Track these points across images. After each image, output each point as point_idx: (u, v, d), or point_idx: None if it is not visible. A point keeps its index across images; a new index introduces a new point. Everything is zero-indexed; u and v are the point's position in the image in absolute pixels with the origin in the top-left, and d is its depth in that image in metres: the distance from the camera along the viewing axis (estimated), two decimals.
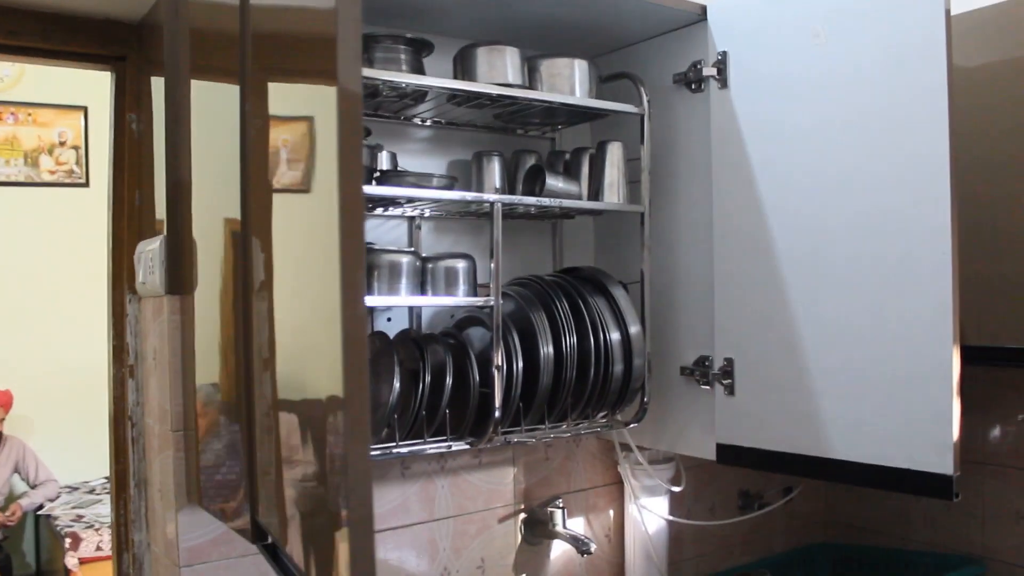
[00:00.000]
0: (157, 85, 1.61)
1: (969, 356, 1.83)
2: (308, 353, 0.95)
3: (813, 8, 1.52)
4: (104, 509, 3.91)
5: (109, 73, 1.65)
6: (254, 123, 1.16)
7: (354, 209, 0.77)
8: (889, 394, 1.44)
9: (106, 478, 4.07)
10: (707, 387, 1.68)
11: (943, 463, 1.39)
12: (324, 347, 0.84)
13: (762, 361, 1.61)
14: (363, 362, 0.77)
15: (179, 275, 1.47)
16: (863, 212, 1.48)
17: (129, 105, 1.62)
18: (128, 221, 1.63)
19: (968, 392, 2.11)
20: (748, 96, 1.63)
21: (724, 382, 1.65)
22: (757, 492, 2.19)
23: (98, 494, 4.27)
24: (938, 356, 1.40)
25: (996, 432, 2.10)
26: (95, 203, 3.98)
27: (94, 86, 3.63)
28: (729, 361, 1.65)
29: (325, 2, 0.82)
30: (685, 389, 1.74)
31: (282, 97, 1.08)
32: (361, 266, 0.78)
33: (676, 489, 1.93)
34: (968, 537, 2.13)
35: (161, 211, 1.59)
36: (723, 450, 1.66)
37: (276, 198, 1.10)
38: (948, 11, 1.37)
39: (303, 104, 0.97)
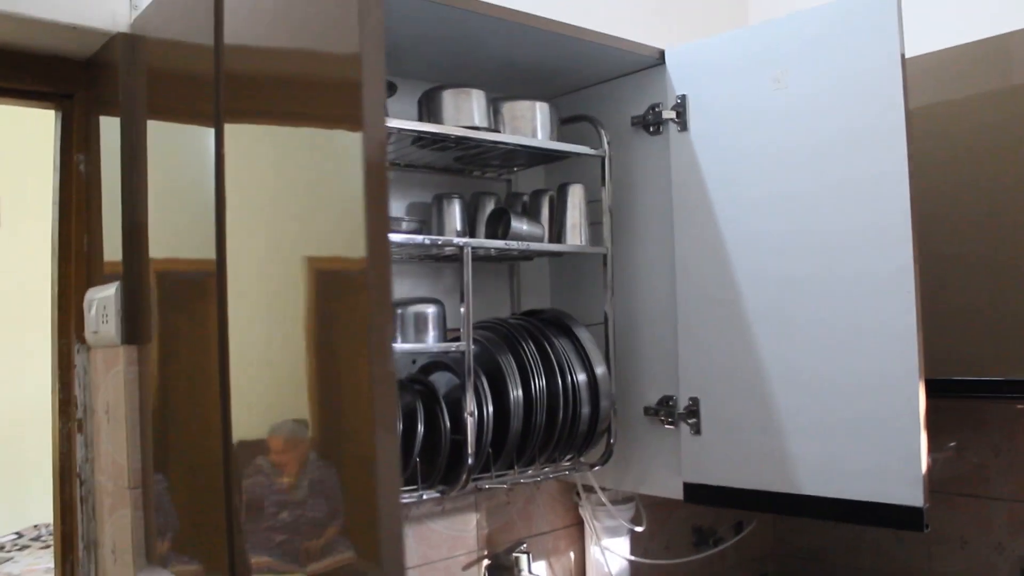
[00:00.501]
0: (106, 125, 1.54)
1: None
2: (321, 408, 0.91)
3: (771, 52, 1.56)
4: (15, 568, 3.69)
5: (53, 112, 1.57)
6: (239, 165, 1.12)
7: (382, 260, 0.75)
8: (856, 430, 1.46)
9: (16, 534, 3.85)
10: (671, 426, 1.69)
11: (914, 496, 1.41)
12: (344, 403, 0.81)
13: (728, 400, 1.62)
14: (393, 419, 0.74)
15: (137, 323, 1.40)
16: (823, 254, 1.51)
17: (77, 145, 1.55)
18: (75, 267, 1.55)
19: None
20: (707, 139, 1.65)
21: (690, 421, 1.65)
22: (710, 528, 2.21)
23: (7, 551, 4.03)
24: (905, 392, 1.42)
25: (938, 460, 2.16)
26: (6, 243, 3.81)
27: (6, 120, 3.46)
28: (694, 400, 1.66)
29: (342, 47, 0.79)
30: (649, 429, 1.74)
31: (281, 142, 1.05)
32: (390, 322, 0.75)
33: (638, 529, 1.92)
34: (915, 563, 2.18)
35: (111, 255, 1.52)
36: (690, 489, 1.66)
37: (269, 243, 1.06)
38: (903, 55, 1.42)
39: (312, 151, 0.95)
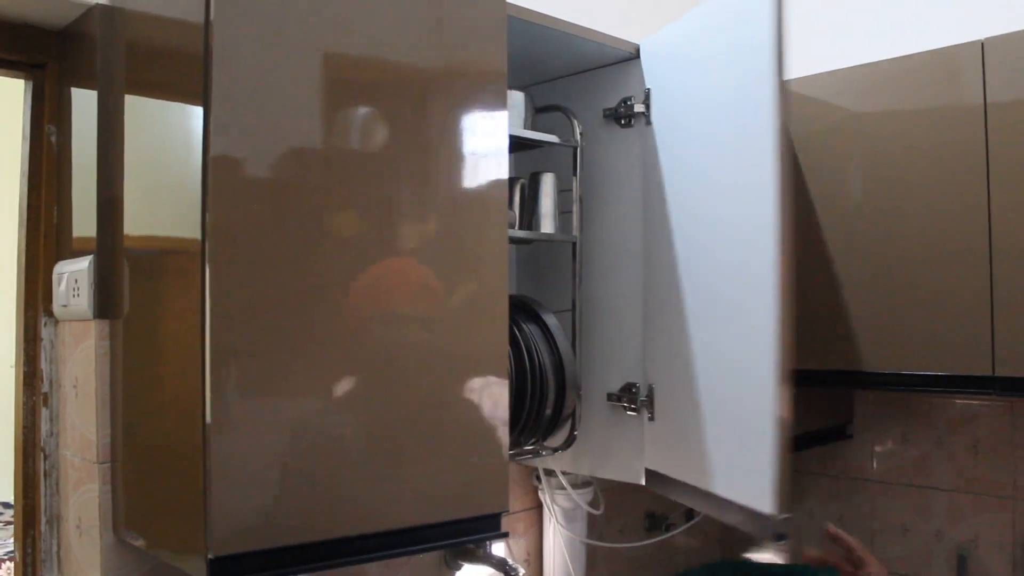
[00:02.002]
0: (78, 97, 1.52)
1: (861, 380, 1.97)
2: None
3: (710, 46, 1.59)
4: None
5: (24, 81, 1.55)
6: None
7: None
8: (745, 431, 1.49)
9: None
10: (634, 413, 1.73)
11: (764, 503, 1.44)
12: None
13: (672, 390, 1.67)
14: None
15: (110, 298, 1.39)
16: (728, 251, 1.54)
17: (48, 116, 1.53)
18: (44, 239, 1.53)
19: (860, 414, 2.26)
20: (664, 134, 1.69)
21: (649, 409, 1.70)
22: (663, 514, 2.26)
23: None
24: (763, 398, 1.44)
25: (883, 451, 2.25)
26: None
27: None
28: (651, 388, 1.70)
29: None
30: (611, 415, 1.78)
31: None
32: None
33: (596, 512, 1.97)
34: None
35: (81, 229, 1.50)
36: (651, 475, 1.71)
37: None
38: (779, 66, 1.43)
39: None
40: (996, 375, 1.74)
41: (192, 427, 1.15)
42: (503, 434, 1.38)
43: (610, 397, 1.77)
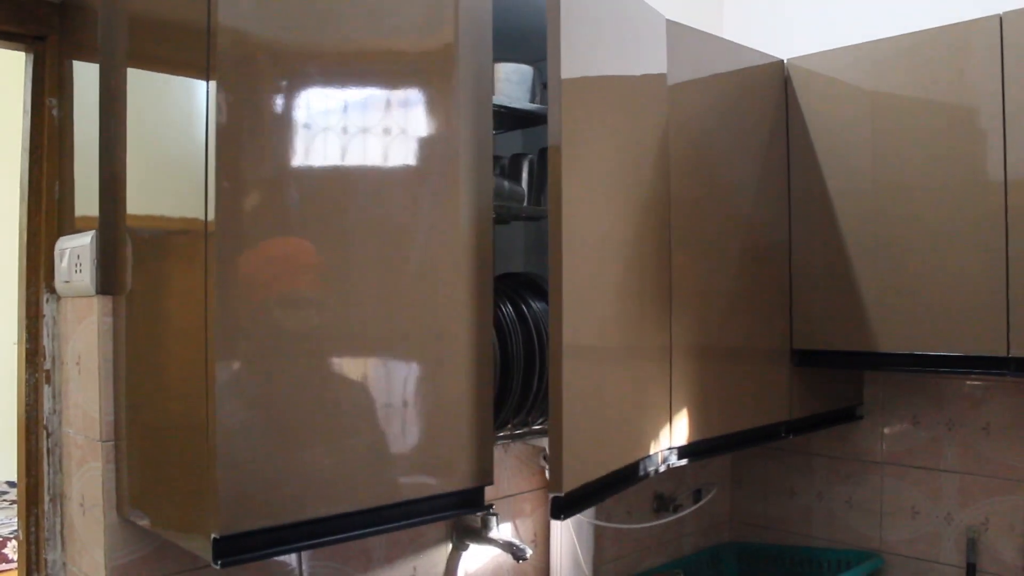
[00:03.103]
0: (80, 70, 1.50)
1: (872, 361, 1.94)
2: None
3: None
4: None
5: (25, 54, 1.52)
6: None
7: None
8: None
9: None
10: None
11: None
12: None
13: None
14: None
15: (113, 274, 1.37)
16: None
17: (49, 89, 1.51)
18: (46, 215, 1.51)
19: (870, 395, 2.24)
20: None
21: None
22: (670, 495, 2.24)
23: None
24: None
25: (893, 433, 2.22)
26: None
27: None
28: None
29: None
30: None
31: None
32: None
33: None
34: (867, 533, 2.25)
35: (83, 206, 1.48)
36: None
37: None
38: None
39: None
40: (1011, 355, 1.71)
41: (197, 406, 1.13)
42: (486, 411, 1.39)
43: None
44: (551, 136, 1.35)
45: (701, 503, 2.25)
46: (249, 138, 1.14)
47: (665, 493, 2.23)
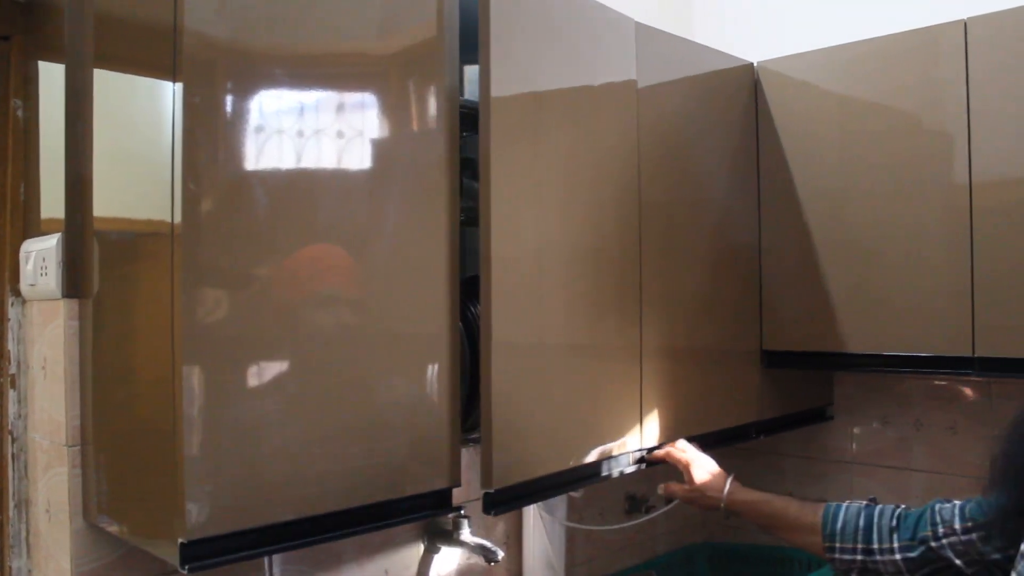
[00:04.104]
0: (46, 70, 1.48)
1: (841, 362, 1.96)
2: None
3: None
4: None
5: None
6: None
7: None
8: None
9: None
10: None
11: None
12: None
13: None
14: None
15: (79, 277, 1.36)
16: None
17: (14, 90, 1.49)
18: (11, 217, 1.49)
19: (840, 396, 2.26)
20: None
21: None
22: (642, 496, 2.25)
23: None
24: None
25: (862, 433, 2.25)
26: None
27: None
28: None
29: None
30: None
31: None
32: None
33: (576, 494, 1.96)
34: None
35: (49, 208, 1.47)
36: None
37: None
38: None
39: None
40: (976, 355, 1.74)
41: (164, 409, 1.12)
42: (454, 412, 1.39)
43: None
44: (481, 150, 1.39)
45: (672, 504, 2.26)
46: (216, 140, 1.14)
47: (637, 494, 2.24)
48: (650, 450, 1.68)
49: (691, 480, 1.66)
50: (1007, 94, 1.71)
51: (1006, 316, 1.70)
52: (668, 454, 1.70)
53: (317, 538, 1.24)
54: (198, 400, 1.11)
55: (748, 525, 2.40)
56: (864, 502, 1.50)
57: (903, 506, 1.45)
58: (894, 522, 1.42)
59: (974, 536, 1.32)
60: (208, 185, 1.13)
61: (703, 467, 1.67)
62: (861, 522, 1.44)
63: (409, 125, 1.35)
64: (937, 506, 1.39)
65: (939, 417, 2.13)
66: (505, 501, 1.42)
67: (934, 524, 1.37)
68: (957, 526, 1.34)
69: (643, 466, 1.65)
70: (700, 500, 1.66)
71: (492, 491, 1.39)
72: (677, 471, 1.70)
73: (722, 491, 1.62)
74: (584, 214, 1.58)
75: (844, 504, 1.49)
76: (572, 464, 1.55)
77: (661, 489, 1.71)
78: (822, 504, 1.51)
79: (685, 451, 1.70)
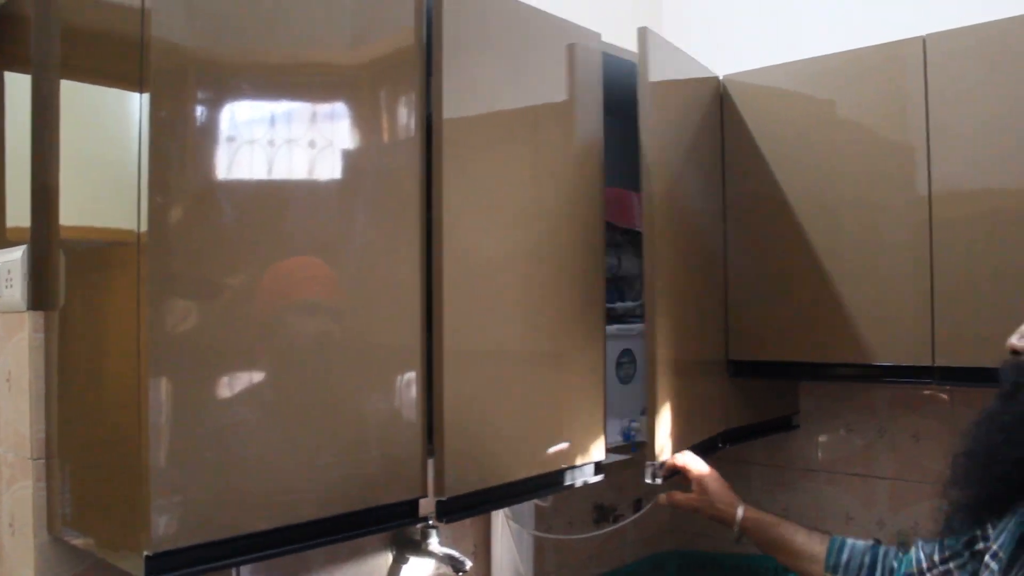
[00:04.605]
0: (12, 81, 1.48)
1: (806, 371, 1.99)
2: None
3: None
4: None
5: None
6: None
7: None
8: None
9: None
10: None
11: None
12: None
13: None
14: None
15: (45, 289, 1.35)
16: None
17: None
18: None
19: (805, 405, 2.29)
20: None
21: None
22: (611, 505, 2.27)
23: None
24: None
25: (828, 441, 2.28)
26: None
27: None
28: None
29: None
30: None
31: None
32: None
33: (544, 504, 1.97)
34: None
35: (14, 218, 1.46)
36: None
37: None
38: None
39: None
40: (936, 365, 1.77)
41: (130, 421, 1.12)
42: (420, 422, 1.39)
43: None
44: (433, 162, 1.40)
45: (640, 513, 2.28)
46: (184, 150, 1.14)
47: (605, 504, 2.25)
48: (661, 464, 1.67)
49: (703, 490, 1.67)
50: (965, 109, 1.74)
51: (964, 326, 1.73)
52: (684, 465, 1.70)
53: (285, 549, 1.24)
54: (165, 411, 1.11)
55: (717, 534, 2.43)
56: (870, 541, 1.54)
57: (902, 550, 1.49)
58: (895, 563, 1.48)
59: (951, 565, 1.36)
60: (176, 195, 1.13)
61: (715, 478, 1.69)
62: (867, 559, 1.50)
63: (381, 135, 1.36)
64: (920, 543, 1.44)
65: (902, 425, 2.16)
66: (458, 509, 1.43)
67: (918, 560, 1.42)
68: (936, 558, 1.39)
69: (658, 480, 1.65)
70: (708, 510, 1.68)
71: (444, 499, 1.40)
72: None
73: (735, 505, 1.64)
74: (545, 225, 1.59)
75: (850, 540, 1.52)
76: (531, 473, 1.56)
77: (663, 499, 1.72)
78: (828, 535, 1.54)
79: (697, 461, 1.72)
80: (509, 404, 1.53)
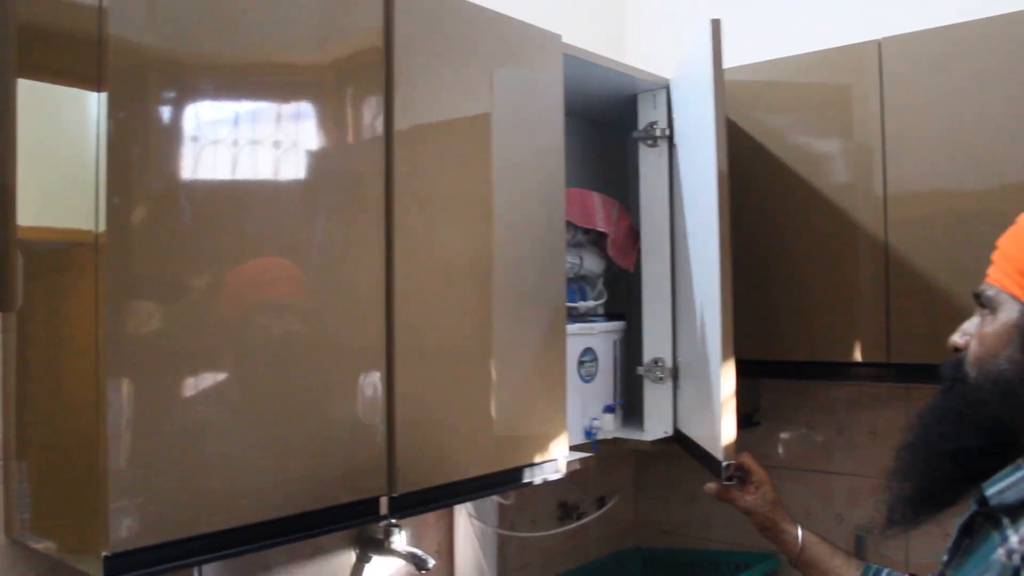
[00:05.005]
0: None
1: (767, 370, 2.02)
2: None
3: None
4: None
5: None
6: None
7: None
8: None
9: None
10: None
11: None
12: None
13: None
14: None
15: (3, 289, 1.34)
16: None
17: None
18: None
19: (766, 402, 2.32)
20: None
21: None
22: (574, 503, 2.28)
23: None
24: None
25: (788, 438, 2.31)
26: None
27: None
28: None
29: None
30: None
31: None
32: None
33: (507, 502, 1.98)
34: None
35: None
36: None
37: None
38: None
39: None
40: (891, 362, 1.80)
41: (88, 422, 1.12)
42: (382, 420, 1.39)
43: None
44: (386, 158, 1.40)
45: (603, 510, 2.30)
46: (141, 152, 1.14)
47: (569, 501, 2.27)
48: (727, 465, 1.63)
49: (769, 493, 1.62)
50: (919, 112, 1.78)
51: (917, 324, 1.77)
52: (751, 466, 1.65)
53: (244, 548, 1.24)
54: (124, 412, 1.11)
55: (678, 529, 2.45)
56: (907, 574, 1.53)
57: None
58: None
59: None
60: (135, 196, 1.13)
61: (773, 486, 1.65)
62: None
63: (346, 136, 1.36)
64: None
65: (860, 422, 2.20)
66: (411, 505, 1.44)
67: None
68: None
69: (732, 481, 1.64)
70: (765, 512, 1.62)
71: (396, 495, 1.40)
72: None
73: (790, 518, 1.60)
74: (505, 224, 1.60)
75: (886, 569, 1.50)
76: (488, 470, 1.57)
77: (712, 489, 1.66)
78: (863, 563, 1.52)
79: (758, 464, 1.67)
80: (465, 401, 1.53)
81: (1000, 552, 1.05)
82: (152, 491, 1.14)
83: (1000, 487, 1.10)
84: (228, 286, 1.22)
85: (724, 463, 1.59)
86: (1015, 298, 1.11)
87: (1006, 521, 1.08)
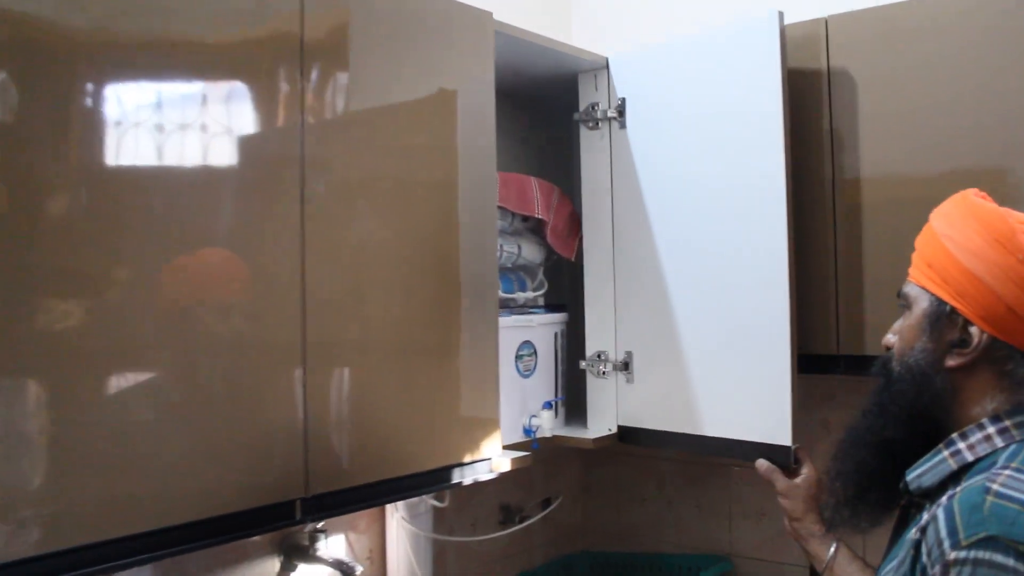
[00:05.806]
0: None
1: None
2: None
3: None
4: None
5: None
6: None
7: None
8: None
9: None
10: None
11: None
12: None
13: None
14: None
15: None
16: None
17: None
18: None
19: None
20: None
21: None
22: (517, 505, 2.19)
23: None
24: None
25: None
26: None
27: None
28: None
29: None
30: None
31: None
32: None
33: (441, 505, 1.88)
34: (717, 537, 2.25)
35: None
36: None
37: None
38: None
39: None
40: (841, 354, 1.74)
41: None
42: (299, 419, 1.32)
43: None
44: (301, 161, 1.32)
45: (546, 512, 2.21)
46: (41, 136, 1.06)
47: (511, 504, 2.17)
48: (796, 448, 1.65)
49: (813, 487, 1.58)
50: (866, 94, 1.72)
51: (865, 315, 1.71)
52: (806, 458, 1.64)
53: (145, 557, 1.15)
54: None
55: (628, 532, 2.37)
56: None
57: None
58: None
59: None
60: (37, 183, 1.05)
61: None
62: None
63: (264, 121, 1.28)
64: None
65: (815, 418, 2.12)
66: (326, 508, 1.36)
67: None
68: None
69: (794, 464, 1.61)
70: (803, 497, 1.58)
71: (308, 496, 1.32)
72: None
73: (823, 523, 1.52)
74: (428, 209, 1.52)
75: None
76: (412, 470, 1.48)
77: (763, 466, 1.63)
78: None
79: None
80: (385, 397, 1.44)
81: (913, 531, 1.08)
82: (30, 500, 1.05)
83: (918, 472, 1.15)
84: (152, 281, 1.15)
85: (793, 446, 1.62)
86: (926, 290, 1.18)
87: (928, 505, 1.11)
